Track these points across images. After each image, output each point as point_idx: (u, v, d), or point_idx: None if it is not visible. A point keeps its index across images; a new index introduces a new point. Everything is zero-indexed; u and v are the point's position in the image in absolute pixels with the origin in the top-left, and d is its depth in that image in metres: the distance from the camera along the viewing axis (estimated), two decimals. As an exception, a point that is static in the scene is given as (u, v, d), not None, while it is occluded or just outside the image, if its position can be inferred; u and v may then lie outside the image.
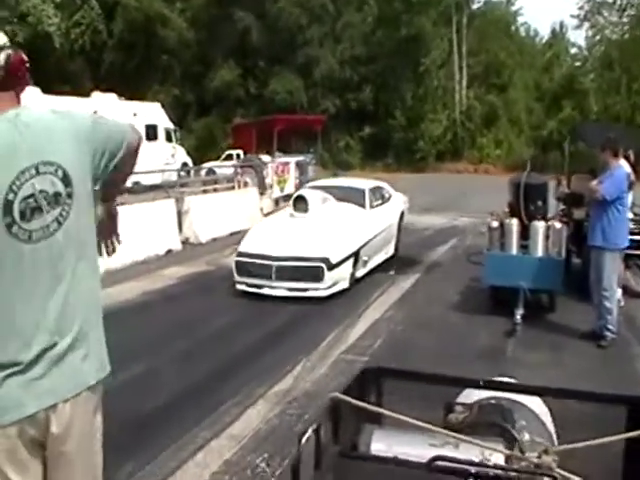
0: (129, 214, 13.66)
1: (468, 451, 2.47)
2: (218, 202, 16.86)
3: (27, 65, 2.51)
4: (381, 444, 2.60)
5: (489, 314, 9.03)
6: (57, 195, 2.39)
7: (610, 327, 7.92)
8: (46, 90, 22.02)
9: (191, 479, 4.85)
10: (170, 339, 8.05)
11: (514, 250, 8.89)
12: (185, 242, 14.77)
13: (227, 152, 35.38)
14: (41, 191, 2.35)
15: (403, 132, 47.29)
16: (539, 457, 2.32)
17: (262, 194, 20.00)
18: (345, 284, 10.29)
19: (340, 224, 10.88)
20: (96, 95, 28.39)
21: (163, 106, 33.06)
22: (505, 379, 3.88)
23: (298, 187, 19.62)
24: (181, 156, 33.16)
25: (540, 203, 8.95)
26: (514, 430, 2.58)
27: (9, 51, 2.42)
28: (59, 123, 2.50)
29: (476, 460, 2.40)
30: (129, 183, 22.23)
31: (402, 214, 13.93)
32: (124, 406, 5.52)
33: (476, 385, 2.83)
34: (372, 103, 47.67)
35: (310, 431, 2.34)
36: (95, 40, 44.01)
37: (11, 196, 2.29)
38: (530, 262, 8.71)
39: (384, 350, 7.70)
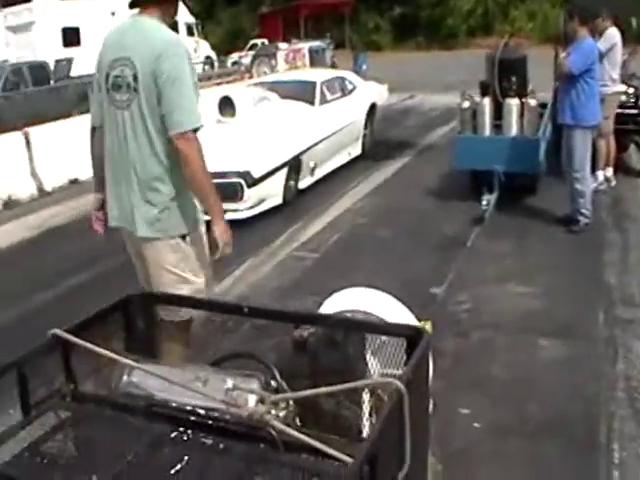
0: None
1: (222, 384, 2.12)
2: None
3: None
4: (136, 379, 2.28)
5: (465, 200, 8.45)
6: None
7: (583, 211, 7.33)
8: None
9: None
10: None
11: (487, 131, 8.28)
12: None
13: (251, 42, 34.59)
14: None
15: (431, 9, 45.32)
16: (255, 406, 1.97)
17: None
18: (277, 200, 8.66)
19: (274, 128, 9.16)
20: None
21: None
22: (362, 289, 3.52)
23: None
24: (204, 50, 32.46)
25: (515, 79, 8.21)
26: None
27: None
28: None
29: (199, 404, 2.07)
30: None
31: (373, 107, 12.23)
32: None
33: (240, 312, 2.46)
34: (401, -20, 45.60)
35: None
36: None
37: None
38: (503, 143, 8.09)
39: (339, 245, 7.40)
